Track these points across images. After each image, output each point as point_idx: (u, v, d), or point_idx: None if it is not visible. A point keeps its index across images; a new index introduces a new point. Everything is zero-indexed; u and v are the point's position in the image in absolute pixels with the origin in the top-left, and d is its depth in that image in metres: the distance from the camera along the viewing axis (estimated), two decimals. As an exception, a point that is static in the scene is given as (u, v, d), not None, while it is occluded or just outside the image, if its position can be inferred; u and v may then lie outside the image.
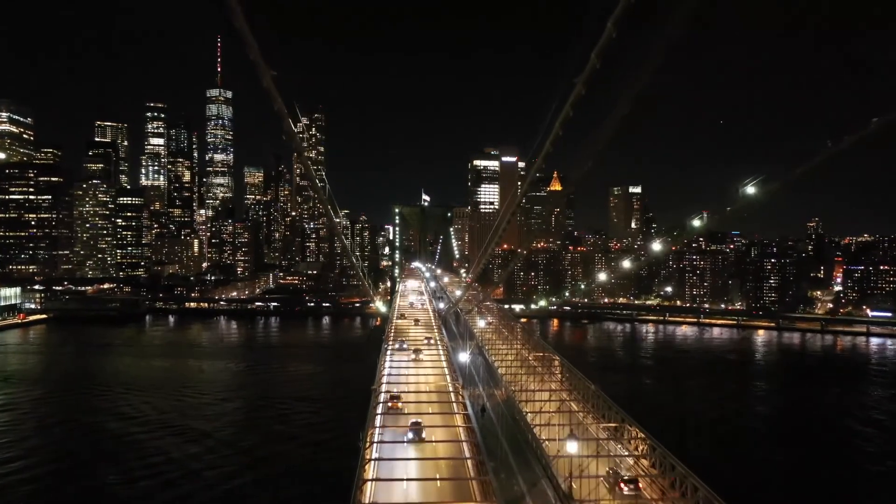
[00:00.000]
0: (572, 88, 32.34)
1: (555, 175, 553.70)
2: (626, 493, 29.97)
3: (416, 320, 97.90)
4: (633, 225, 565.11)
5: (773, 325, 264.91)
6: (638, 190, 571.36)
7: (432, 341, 74.76)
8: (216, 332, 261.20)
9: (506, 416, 38.94)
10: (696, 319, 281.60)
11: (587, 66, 29.72)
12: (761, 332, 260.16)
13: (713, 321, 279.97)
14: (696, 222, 30.20)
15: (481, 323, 73.58)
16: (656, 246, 35.12)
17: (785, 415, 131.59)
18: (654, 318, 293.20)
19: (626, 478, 30.72)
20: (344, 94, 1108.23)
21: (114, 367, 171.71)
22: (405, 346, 71.97)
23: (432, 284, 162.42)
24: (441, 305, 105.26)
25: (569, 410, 40.38)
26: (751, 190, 24.62)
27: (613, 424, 37.15)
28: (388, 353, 66.50)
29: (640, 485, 30.55)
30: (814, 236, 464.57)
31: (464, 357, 55.77)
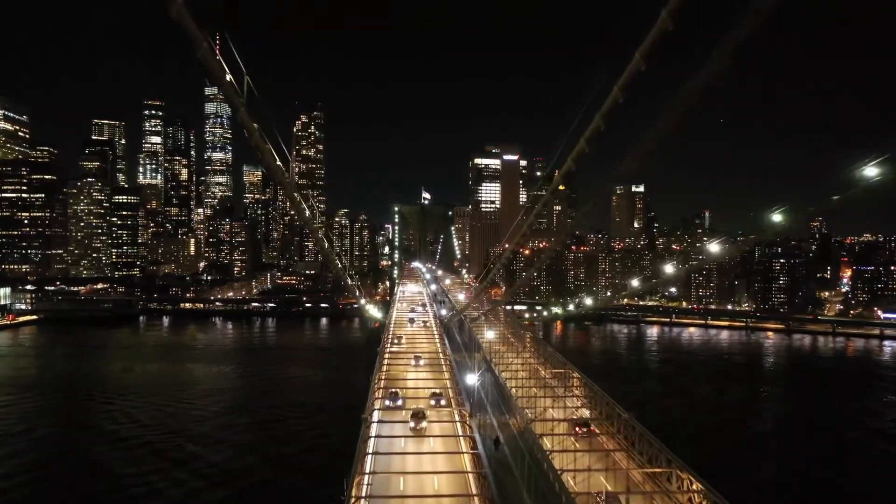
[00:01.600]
0: (604, 97, 25.61)
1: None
2: None
3: (417, 356, 67.14)
4: (635, 224, 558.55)
5: (782, 327, 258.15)
6: (641, 189, 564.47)
7: (443, 400, 48.72)
8: (211, 333, 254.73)
9: (524, 453, 32.21)
10: (703, 321, 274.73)
11: (629, 67, 22.82)
12: (771, 334, 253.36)
13: (721, 323, 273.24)
14: (777, 217, 23.28)
15: (489, 334, 65.23)
16: (713, 247, 28.00)
17: (803, 425, 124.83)
18: (660, 319, 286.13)
19: None
20: (344, 92, 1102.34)
21: (101, 372, 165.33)
22: (399, 400, 48.13)
23: (433, 287, 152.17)
24: (444, 312, 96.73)
25: (602, 449, 33.71)
26: (871, 172, 17.67)
27: (659, 469, 30.33)
28: (376, 417, 43.50)
29: None
30: (817, 236, 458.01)
31: (471, 379, 47.66)
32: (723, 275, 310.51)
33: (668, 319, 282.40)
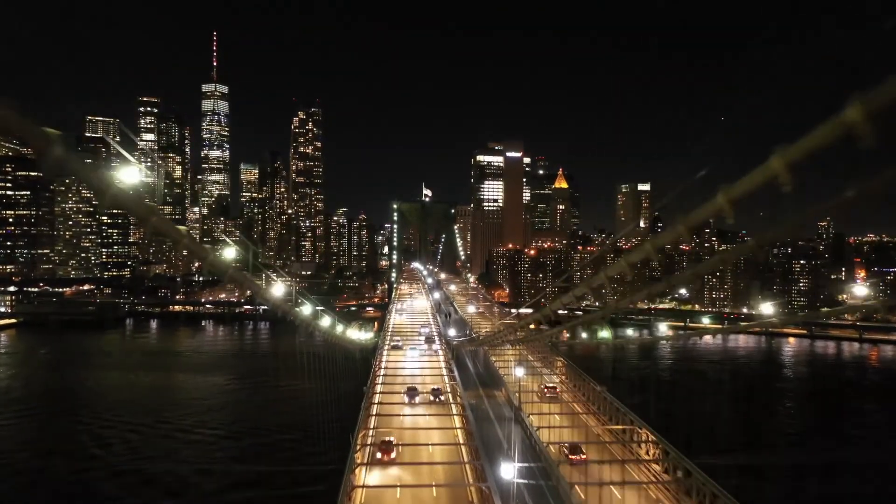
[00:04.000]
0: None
1: (560, 172, 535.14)
2: None
3: None
4: (641, 224, 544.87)
5: (804, 332, 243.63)
6: (647, 187, 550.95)
7: None
8: (200, 339, 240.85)
9: None
10: (719, 326, 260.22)
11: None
12: (792, 339, 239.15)
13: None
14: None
15: (519, 371, 49.13)
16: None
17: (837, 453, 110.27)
18: (674, 323, 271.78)
19: None
20: (343, 89, 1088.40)
21: (74, 383, 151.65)
22: None
23: (436, 295, 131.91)
24: (452, 332, 78.25)
25: None
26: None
27: None
28: None
29: None
30: (825, 235, 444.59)
31: (507, 471, 28.91)
32: (737, 276, 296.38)
33: (682, 323, 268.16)
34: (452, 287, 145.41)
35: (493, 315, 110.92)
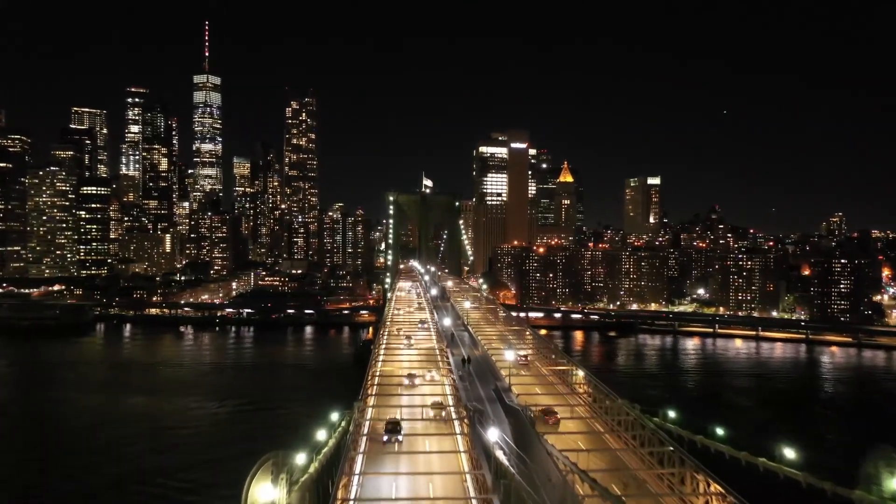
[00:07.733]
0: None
1: (565, 166, 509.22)
2: None
3: None
4: (650, 219, 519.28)
5: (850, 339, 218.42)
6: (657, 181, 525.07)
7: None
8: (176, 348, 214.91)
9: None
10: (753, 332, 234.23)
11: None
12: (835, 348, 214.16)
13: (774, 334, 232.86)
14: None
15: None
16: None
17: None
18: (701, 329, 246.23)
19: None
20: (340, 81, 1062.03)
21: (28, 406, 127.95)
22: None
23: (447, 322, 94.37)
24: (488, 416, 39.69)
25: None
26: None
27: None
28: None
29: None
30: (836, 232, 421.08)
31: None
32: (767, 277, 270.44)
33: (710, 329, 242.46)
34: (466, 304, 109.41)
35: (524, 343, 76.88)
